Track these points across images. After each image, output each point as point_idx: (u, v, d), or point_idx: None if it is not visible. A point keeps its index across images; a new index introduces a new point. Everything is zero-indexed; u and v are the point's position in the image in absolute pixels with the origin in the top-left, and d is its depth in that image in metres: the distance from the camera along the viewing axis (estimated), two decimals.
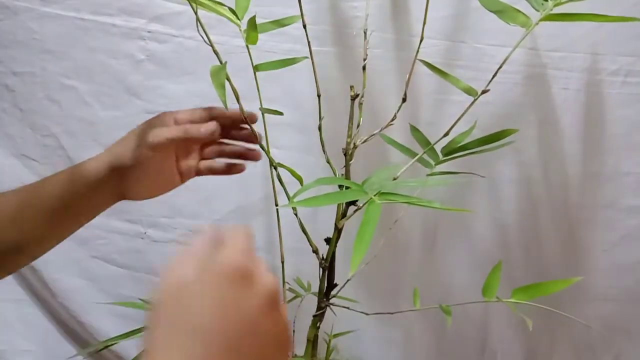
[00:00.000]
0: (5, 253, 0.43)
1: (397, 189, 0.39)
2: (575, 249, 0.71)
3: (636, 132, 0.65)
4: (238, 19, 0.50)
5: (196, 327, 0.24)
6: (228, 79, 0.47)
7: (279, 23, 0.53)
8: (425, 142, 0.59)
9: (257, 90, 0.52)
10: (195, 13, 0.44)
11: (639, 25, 0.47)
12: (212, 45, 0.44)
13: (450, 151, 0.55)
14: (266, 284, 0.27)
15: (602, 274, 0.71)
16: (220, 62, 0.43)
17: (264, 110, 0.53)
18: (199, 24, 0.41)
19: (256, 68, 0.52)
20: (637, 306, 0.72)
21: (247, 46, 0.50)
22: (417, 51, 0.54)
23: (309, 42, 0.52)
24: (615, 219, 0.68)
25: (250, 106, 0.51)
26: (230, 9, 0.50)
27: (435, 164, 0.56)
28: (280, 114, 0.52)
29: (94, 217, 0.47)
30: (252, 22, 0.48)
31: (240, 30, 0.50)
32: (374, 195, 0.36)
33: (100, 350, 0.73)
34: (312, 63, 0.52)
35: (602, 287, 0.71)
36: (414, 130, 0.60)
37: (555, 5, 0.47)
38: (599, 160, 0.67)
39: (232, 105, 0.47)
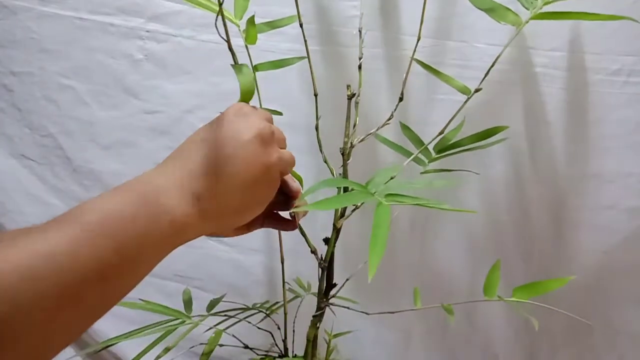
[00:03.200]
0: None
1: (402, 190, 0.39)
2: (578, 250, 0.71)
3: (638, 133, 0.65)
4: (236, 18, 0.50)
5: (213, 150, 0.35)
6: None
7: (275, 24, 0.53)
8: (417, 140, 0.59)
9: (257, 90, 0.52)
10: (221, 15, 0.42)
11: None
12: (230, 47, 0.43)
13: (443, 149, 0.56)
14: (257, 120, 0.36)
15: (605, 276, 0.71)
16: (235, 62, 0.43)
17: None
18: (220, 24, 0.40)
19: (255, 68, 0.51)
20: (639, 308, 0.71)
21: (246, 46, 0.50)
22: (414, 50, 0.54)
23: (305, 42, 0.52)
24: (616, 220, 0.68)
25: (266, 107, 0.51)
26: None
27: (429, 162, 0.56)
28: (280, 114, 0.52)
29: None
30: (251, 21, 0.48)
31: (240, 30, 0.50)
32: (382, 198, 0.36)
33: (99, 350, 0.73)
34: (309, 63, 0.52)
35: (603, 288, 0.71)
36: (405, 128, 0.60)
37: (544, 4, 0.48)
38: (600, 161, 0.66)
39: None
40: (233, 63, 0.42)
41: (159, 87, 0.72)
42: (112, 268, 0.30)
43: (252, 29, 0.48)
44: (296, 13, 0.52)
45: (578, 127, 0.66)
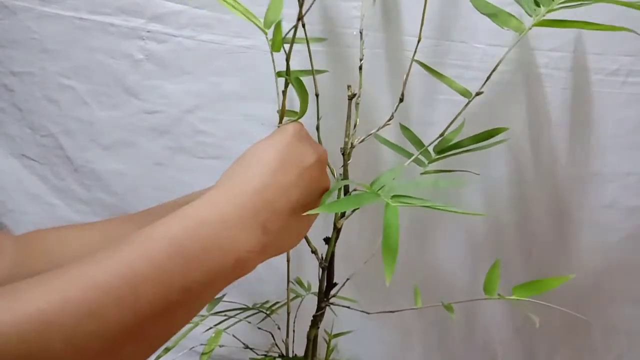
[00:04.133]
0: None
1: (408, 191, 0.39)
2: (578, 250, 0.71)
3: (637, 133, 0.65)
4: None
5: (262, 162, 0.34)
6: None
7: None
8: (416, 141, 0.59)
9: (276, 94, 0.52)
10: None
11: (638, 26, 0.47)
12: (287, 64, 0.42)
13: (443, 150, 0.56)
14: (318, 146, 0.38)
15: (605, 275, 0.71)
16: (287, 73, 0.42)
17: (285, 113, 0.52)
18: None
19: (278, 74, 0.51)
20: (639, 307, 0.72)
21: (271, 52, 0.49)
22: (415, 51, 0.54)
23: (307, 42, 0.52)
24: (616, 220, 0.68)
25: (266, 107, 0.50)
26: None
27: (428, 163, 0.56)
28: (295, 114, 0.52)
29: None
30: (278, 27, 0.47)
31: (267, 38, 0.49)
32: (388, 199, 0.36)
33: None
34: (311, 63, 0.52)
35: (603, 288, 0.71)
36: (404, 129, 0.60)
37: (548, 12, 0.47)
38: (600, 160, 0.67)
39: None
40: (280, 73, 0.41)
41: (159, 87, 0.72)
42: (177, 304, 0.28)
43: (278, 36, 0.47)
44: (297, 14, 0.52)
45: (578, 127, 0.66)
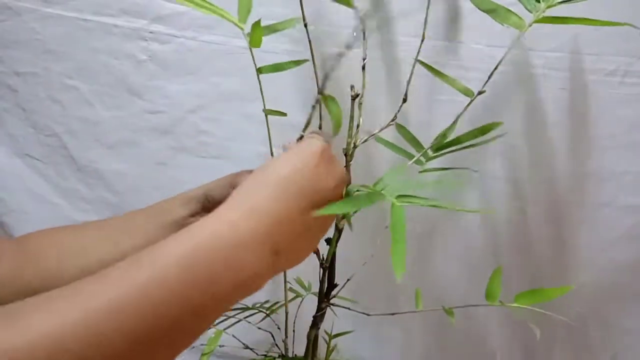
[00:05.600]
0: None
1: (412, 190, 0.39)
2: (575, 249, 0.71)
3: (634, 132, 0.65)
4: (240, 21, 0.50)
5: (280, 181, 0.33)
6: None
7: (275, 27, 0.53)
8: (413, 140, 0.59)
9: (260, 91, 0.52)
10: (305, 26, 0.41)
11: (635, 23, 0.47)
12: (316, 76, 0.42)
13: (439, 147, 0.55)
14: (340, 171, 0.37)
15: (602, 273, 0.71)
16: (320, 91, 0.43)
17: (268, 112, 0.53)
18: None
19: (259, 70, 0.52)
20: (635, 305, 0.72)
21: (250, 49, 0.50)
22: (418, 52, 0.54)
23: (310, 42, 0.52)
24: (613, 218, 0.69)
25: (253, 107, 0.51)
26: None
27: (426, 161, 0.56)
28: (284, 114, 0.52)
29: None
30: (257, 25, 0.48)
31: (244, 33, 0.50)
32: (393, 198, 0.36)
33: None
34: (314, 63, 0.52)
35: (602, 286, 0.71)
36: (402, 129, 0.60)
37: (547, 7, 0.47)
38: (597, 159, 0.67)
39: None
40: (319, 92, 0.42)
41: (162, 87, 0.72)
42: (183, 327, 0.27)
43: (257, 33, 0.48)
44: (297, 14, 0.52)
45: (575, 126, 0.67)
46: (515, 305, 0.54)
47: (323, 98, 0.41)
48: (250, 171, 0.38)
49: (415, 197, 0.37)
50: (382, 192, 0.38)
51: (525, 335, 0.76)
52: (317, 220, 0.33)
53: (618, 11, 0.51)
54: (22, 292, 0.34)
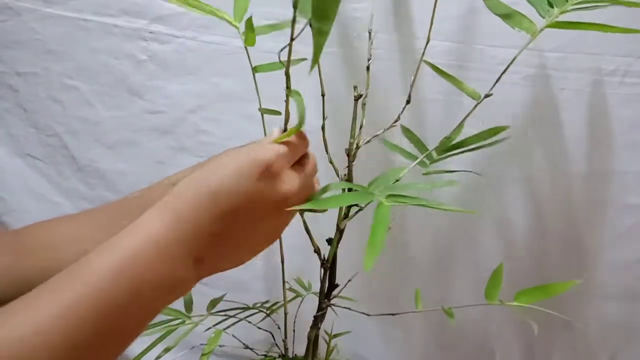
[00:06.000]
0: None
1: (405, 191, 0.39)
2: (576, 248, 0.71)
3: (635, 131, 0.66)
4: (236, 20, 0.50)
5: (217, 193, 0.32)
6: None
7: (277, 26, 0.53)
8: (418, 142, 0.59)
9: (256, 91, 0.52)
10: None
11: (638, 26, 0.47)
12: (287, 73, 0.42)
13: (445, 149, 0.55)
14: (284, 191, 0.34)
15: (601, 272, 0.71)
16: (288, 87, 0.43)
17: (263, 111, 0.53)
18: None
19: (255, 69, 0.52)
20: (636, 304, 0.72)
21: (245, 47, 0.50)
22: (423, 53, 0.54)
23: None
24: (614, 217, 0.69)
25: (253, 107, 0.51)
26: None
27: (430, 163, 0.56)
28: (278, 113, 0.52)
29: None
30: (249, 23, 0.48)
31: (239, 32, 0.50)
32: (383, 198, 0.36)
33: None
34: (318, 67, 0.52)
35: (602, 285, 0.72)
36: (407, 131, 0.60)
37: (561, 13, 0.47)
38: (598, 159, 0.67)
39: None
40: (287, 87, 0.42)
41: (162, 87, 0.72)
42: (113, 333, 0.29)
43: (250, 31, 0.48)
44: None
45: (575, 126, 0.67)
46: (515, 304, 0.54)
47: (288, 91, 0.41)
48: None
49: (404, 196, 0.37)
50: (372, 191, 0.38)
51: (525, 335, 0.76)
52: (250, 232, 0.34)
53: (618, 13, 0.51)
54: (21, 284, 0.36)
